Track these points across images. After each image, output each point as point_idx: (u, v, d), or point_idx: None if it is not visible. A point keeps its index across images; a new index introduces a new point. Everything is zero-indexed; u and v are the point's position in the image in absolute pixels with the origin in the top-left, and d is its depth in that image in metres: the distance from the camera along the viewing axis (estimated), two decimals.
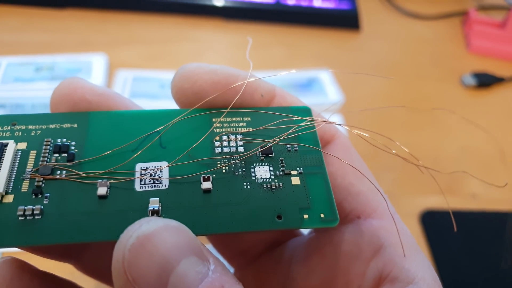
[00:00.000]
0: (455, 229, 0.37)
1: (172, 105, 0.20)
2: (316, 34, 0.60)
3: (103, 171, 0.17)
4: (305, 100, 0.22)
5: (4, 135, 0.18)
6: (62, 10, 0.56)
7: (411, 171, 0.38)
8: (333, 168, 0.19)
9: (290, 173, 0.18)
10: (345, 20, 0.62)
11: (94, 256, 0.21)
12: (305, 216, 0.17)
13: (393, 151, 0.19)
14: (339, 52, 0.58)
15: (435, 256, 0.37)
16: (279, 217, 0.17)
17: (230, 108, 0.19)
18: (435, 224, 0.40)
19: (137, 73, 0.48)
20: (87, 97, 0.18)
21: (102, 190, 0.16)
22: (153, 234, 0.13)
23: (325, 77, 0.51)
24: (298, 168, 0.18)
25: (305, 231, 0.22)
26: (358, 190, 0.19)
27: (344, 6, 0.61)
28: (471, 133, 0.49)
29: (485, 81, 0.55)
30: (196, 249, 0.14)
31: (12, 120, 0.18)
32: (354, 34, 0.62)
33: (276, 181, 0.17)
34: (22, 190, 0.16)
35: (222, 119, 0.19)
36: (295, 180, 0.18)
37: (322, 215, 0.17)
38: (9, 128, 0.18)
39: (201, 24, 0.59)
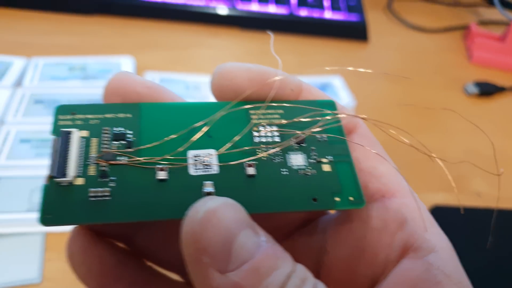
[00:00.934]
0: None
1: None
2: (326, 44, 0.64)
3: (160, 157, 0.18)
4: None
5: (66, 123, 0.19)
6: (89, 16, 0.60)
7: (420, 168, 0.41)
8: (357, 154, 0.21)
9: (321, 161, 0.20)
10: (354, 31, 0.65)
11: (144, 238, 0.22)
12: (337, 199, 0.19)
13: (407, 141, 0.21)
14: (349, 61, 0.62)
15: None
16: (314, 199, 0.19)
17: (270, 102, 0.21)
18: (443, 220, 0.43)
19: (164, 75, 0.52)
20: (138, 89, 0.20)
21: (162, 175, 0.18)
22: (217, 210, 0.15)
23: (338, 82, 0.55)
24: (327, 156, 0.20)
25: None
26: (381, 172, 0.20)
27: (353, 18, 0.65)
28: (474, 137, 0.52)
29: (487, 90, 0.59)
30: (250, 223, 0.16)
31: (71, 110, 0.19)
32: (362, 44, 0.65)
33: (309, 167, 0.19)
34: (89, 174, 0.18)
35: (258, 112, 0.21)
36: (326, 167, 0.20)
37: (351, 198, 0.19)
38: (69, 117, 0.19)
39: (219, 33, 0.62)
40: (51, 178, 0.17)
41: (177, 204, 0.18)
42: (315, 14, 0.64)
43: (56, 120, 0.19)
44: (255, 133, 0.20)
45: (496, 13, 0.70)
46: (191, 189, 0.18)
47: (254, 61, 0.58)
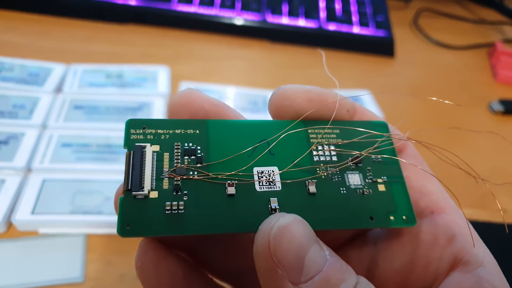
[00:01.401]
0: (507, 231, 0.41)
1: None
2: (354, 59, 0.65)
3: (229, 173, 0.19)
4: None
5: (138, 138, 0.20)
6: (124, 25, 0.62)
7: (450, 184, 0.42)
8: (407, 172, 0.22)
9: (377, 181, 0.21)
10: (381, 47, 0.66)
11: (207, 250, 0.23)
12: (391, 217, 0.20)
13: (455, 163, 0.22)
14: (376, 76, 0.63)
15: None
16: (371, 218, 0.20)
17: (327, 122, 0.22)
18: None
19: (198, 85, 0.53)
20: (205, 106, 0.21)
21: (231, 190, 0.19)
22: (289, 225, 0.17)
23: (366, 98, 0.56)
24: (382, 177, 0.21)
25: None
26: (430, 190, 0.22)
27: (381, 34, 0.66)
28: (502, 154, 0.53)
29: None
30: (316, 239, 0.17)
31: (142, 124, 0.20)
32: (389, 60, 0.66)
33: (366, 187, 0.21)
34: (163, 188, 0.19)
35: (316, 131, 0.22)
36: (381, 187, 0.21)
37: (404, 217, 0.20)
38: (141, 131, 0.20)
39: (250, 45, 0.64)
40: (127, 191, 0.18)
41: (246, 218, 0.19)
42: (344, 29, 0.65)
43: (128, 134, 0.20)
44: (315, 152, 0.21)
45: None
46: (258, 205, 0.19)
47: (283, 74, 0.60)
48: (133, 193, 0.18)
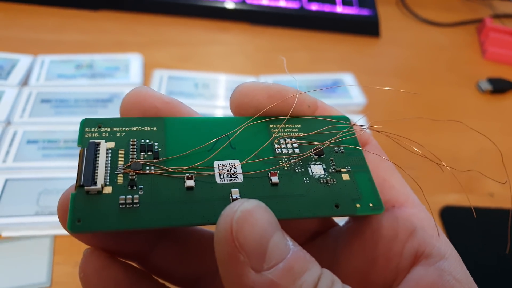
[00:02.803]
0: (475, 215, 0.40)
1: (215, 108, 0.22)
2: (338, 39, 0.63)
3: (187, 167, 0.19)
4: (330, 101, 0.24)
5: (93, 135, 0.19)
6: (96, 12, 0.59)
7: (431, 170, 0.40)
8: (369, 166, 0.22)
9: (340, 171, 0.21)
10: (366, 26, 0.64)
11: (159, 256, 0.23)
12: (358, 205, 0.20)
13: (419, 152, 0.22)
14: (360, 57, 0.61)
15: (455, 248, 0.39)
16: (336, 206, 0.20)
17: (286, 116, 0.22)
18: (454, 220, 0.42)
19: (172, 73, 0.51)
20: (156, 104, 0.21)
21: (190, 183, 0.19)
22: (253, 210, 0.16)
23: (349, 80, 0.54)
24: (346, 167, 0.21)
25: (341, 221, 0.25)
26: (391, 184, 0.21)
27: (365, 12, 0.64)
28: (488, 136, 0.51)
29: (500, 86, 0.58)
30: (279, 227, 0.17)
31: (97, 123, 0.20)
32: (374, 40, 0.64)
33: (330, 177, 0.20)
34: (118, 183, 0.18)
35: (278, 125, 0.22)
36: (345, 177, 0.21)
37: (371, 205, 0.20)
38: (96, 129, 0.20)
39: (229, 28, 0.61)
40: (79, 186, 0.18)
41: (206, 210, 0.18)
42: (326, 8, 0.63)
43: (83, 133, 0.20)
44: (277, 145, 0.21)
45: (511, 6, 0.69)
46: (219, 197, 0.19)
47: (264, 57, 0.58)
48: (86, 188, 0.18)
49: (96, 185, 0.18)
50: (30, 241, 0.35)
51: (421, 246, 0.19)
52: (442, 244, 0.20)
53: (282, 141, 0.21)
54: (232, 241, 0.16)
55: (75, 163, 0.38)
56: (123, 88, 0.47)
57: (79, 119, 0.41)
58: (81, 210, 0.17)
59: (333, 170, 0.21)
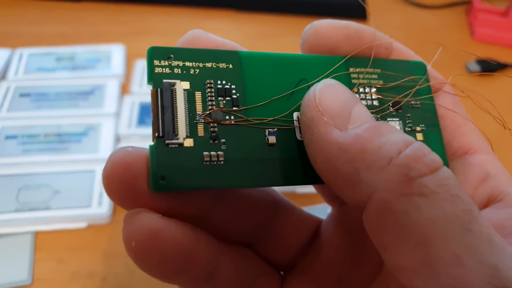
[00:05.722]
0: None
1: None
2: None
3: (270, 119, 0.18)
4: None
5: (164, 71, 0.17)
6: (78, 3, 0.58)
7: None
8: (442, 111, 0.21)
9: (415, 129, 0.20)
10: (353, 10, 0.63)
11: (216, 216, 0.20)
12: None
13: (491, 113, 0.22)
14: None
15: None
16: None
17: (366, 59, 0.21)
18: None
19: None
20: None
21: (272, 139, 0.17)
22: (335, 85, 0.17)
23: None
24: (421, 125, 0.20)
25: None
26: (464, 130, 0.21)
27: None
28: (478, 115, 0.51)
29: (489, 67, 0.57)
30: (360, 101, 0.17)
31: (167, 53, 0.17)
32: (361, 23, 0.63)
33: None
34: (199, 134, 0.16)
35: (357, 70, 0.20)
36: (419, 136, 0.20)
37: None
38: (166, 63, 0.17)
39: (214, 15, 0.60)
40: (158, 138, 0.16)
41: (288, 171, 0.17)
42: None
43: (152, 66, 0.17)
44: (356, 95, 0.19)
45: None
46: (300, 155, 0.18)
47: (251, 45, 0.57)
48: (167, 141, 0.16)
49: (178, 138, 0.16)
50: (10, 238, 0.34)
51: (494, 192, 0.19)
52: None
53: (361, 89, 0.20)
54: (315, 106, 0.16)
55: (56, 157, 0.38)
56: (104, 80, 0.46)
57: (60, 113, 0.41)
58: (165, 166, 0.16)
59: (409, 129, 0.20)
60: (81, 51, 0.49)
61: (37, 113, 0.42)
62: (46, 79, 0.45)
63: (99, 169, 0.38)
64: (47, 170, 0.38)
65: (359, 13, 0.63)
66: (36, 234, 0.35)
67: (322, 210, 0.36)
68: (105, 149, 0.39)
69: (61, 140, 0.40)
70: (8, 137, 0.39)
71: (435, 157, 0.15)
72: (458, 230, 0.14)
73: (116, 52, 0.50)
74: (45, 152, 0.39)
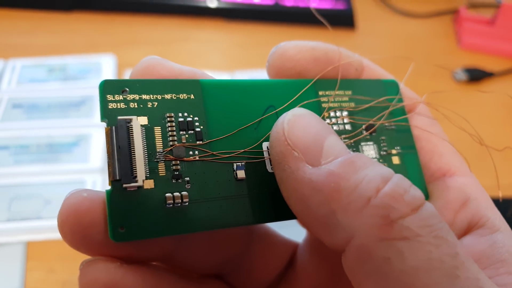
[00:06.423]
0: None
1: None
2: (314, 33, 0.63)
3: (237, 152, 0.16)
4: None
5: (119, 106, 0.15)
6: (68, 13, 0.59)
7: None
8: (418, 132, 0.20)
9: (391, 153, 0.19)
10: (341, 19, 0.64)
11: (183, 253, 0.19)
12: None
13: (467, 130, 0.22)
14: None
15: None
16: None
17: (334, 81, 0.19)
18: None
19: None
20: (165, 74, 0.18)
21: (241, 173, 0.16)
22: (305, 115, 0.16)
23: None
24: (396, 147, 0.19)
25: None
26: (442, 151, 0.20)
27: (340, 6, 0.64)
28: (462, 125, 0.51)
29: (475, 76, 0.58)
30: (333, 131, 0.16)
31: (121, 87, 0.16)
32: (350, 32, 0.64)
33: (381, 160, 0.19)
34: (160, 175, 0.15)
35: (327, 93, 0.19)
36: (395, 160, 0.19)
37: None
38: (121, 97, 0.15)
39: (203, 25, 0.61)
40: (114, 181, 0.14)
41: (260, 207, 0.16)
42: (301, 3, 0.63)
43: (105, 102, 0.15)
44: (327, 120, 0.19)
45: None
46: (272, 190, 0.16)
47: (240, 53, 0.57)
48: (124, 185, 0.14)
49: (136, 181, 0.14)
50: (1, 248, 0.35)
51: (475, 217, 0.18)
52: (497, 217, 0.18)
53: (332, 114, 0.19)
54: (284, 140, 0.15)
55: (48, 167, 0.38)
56: (95, 90, 0.46)
57: (52, 123, 0.42)
58: (123, 214, 0.14)
59: (384, 152, 0.19)
60: (72, 62, 0.50)
61: (29, 123, 0.42)
62: (38, 90, 0.46)
63: (90, 179, 0.38)
64: (39, 180, 0.38)
65: (347, 22, 0.64)
66: (28, 244, 0.35)
67: None
68: (95, 159, 0.40)
69: (52, 150, 0.40)
70: (0, 148, 0.40)
71: (416, 193, 0.14)
72: (444, 279, 0.13)
73: (107, 62, 0.50)
74: (37, 163, 0.39)
